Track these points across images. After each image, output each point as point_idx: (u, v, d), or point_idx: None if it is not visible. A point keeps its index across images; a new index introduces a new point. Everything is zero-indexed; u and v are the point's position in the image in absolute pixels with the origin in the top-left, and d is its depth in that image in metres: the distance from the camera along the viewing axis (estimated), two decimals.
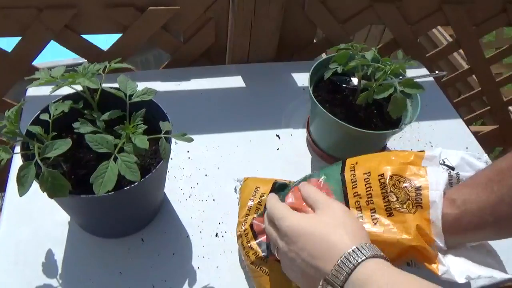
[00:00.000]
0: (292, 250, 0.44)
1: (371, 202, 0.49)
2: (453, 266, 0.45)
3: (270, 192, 0.63)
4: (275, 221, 0.47)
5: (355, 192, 0.51)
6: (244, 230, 0.59)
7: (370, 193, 0.50)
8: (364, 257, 0.38)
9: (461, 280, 0.44)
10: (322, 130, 0.74)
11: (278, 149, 0.78)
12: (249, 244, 0.57)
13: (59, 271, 0.57)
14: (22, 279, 0.56)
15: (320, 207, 0.46)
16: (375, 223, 0.48)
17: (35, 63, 0.85)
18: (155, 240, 0.62)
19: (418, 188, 0.48)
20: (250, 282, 0.59)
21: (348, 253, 0.39)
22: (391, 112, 0.64)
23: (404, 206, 0.48)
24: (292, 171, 0.73)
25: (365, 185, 0.50)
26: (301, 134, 0.81)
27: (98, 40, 0.86)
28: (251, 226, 0.58)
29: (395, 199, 0.48)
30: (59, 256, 0.59)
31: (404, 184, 0.49)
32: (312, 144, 0.77)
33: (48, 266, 0.58)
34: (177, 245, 0.62)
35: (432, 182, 0.48)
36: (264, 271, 0.56)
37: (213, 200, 0.69)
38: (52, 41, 0.81)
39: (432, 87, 0.96)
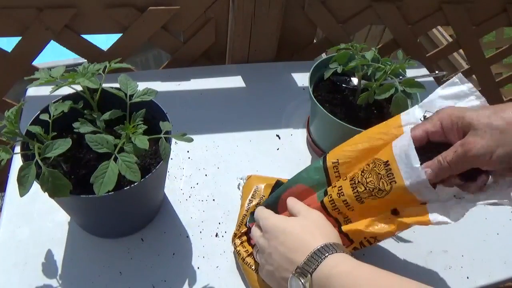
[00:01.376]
0: (272, 245, 0.50)
1: (342, 194, 0.50)
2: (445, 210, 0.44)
3: (271, 191, 0.64)
4: (260, 221, 0.54)
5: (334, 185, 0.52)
6: (240, 229, 0.59)
7: (342, 192, 0.50)
8: (332, 252, 0.45)
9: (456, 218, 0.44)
10: (322, 130, 0.74)
11: (278, 149, 0.78)
12: (242, 244, 0.59)
13: (59, 271, 0.57)
14: (22, 279, 0.56)
15: (301, 214, 0.52)
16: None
17: (35, 63, 0.85)
18: (155, 240, 0.62)
19: (385, 163, 0.46)
20: None
21: (319, 248, 0.46)
22: (393, 112, 0.64)
23: (374, 192, 0.47)
24: (292, 171, 0.73)
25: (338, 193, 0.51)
26: (301, 134, 0.81)
27: (98, 40, 0.86)
28: (247, 227, 0.59)
29: (362, 188, 0.48)
30: (59, 256, 0.59)
31: (373, 166, 0.47)
32: (312, 144, 0.77)
33: (48, 266, 0.58)
34: (177, 245, 0.62)
35: (396, 144, 0.46)
36: (255, 270, 0.57)
37: (213, 200, 0.69)
38: (52, 41, 0.81)
39: (432, 87, 0.95)
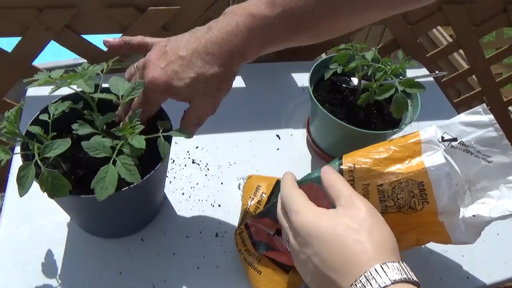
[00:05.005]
0: (305, 253, 0.38)
1: None
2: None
3: (272, 191, 0.64)
4: (289, 212, 0.42)
5: None
6: (241, 229, 0.59)
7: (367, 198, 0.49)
8: (390, 282, 0.32)
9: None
10: (322, 130, 0.74)
11: (278, 149, 0.78)
12: (243, 243, 0.58)
13: (59, 271, 0.57)
14: (22, 279, 0.56)
15: (342, 204, 0.40)
16: None
17: (35, 63, 0.85)
18: (155, 240, 0.62)
19: (420, 184, 0.47)
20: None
21: (371, 272, 0.33)
22: (394, 112, 0.64)
23: (403, 209, 0.48)
24: (292, 171, 0.72)
25: (363, 193, 0.50)
26: (301, 134, 0.81)
27: (98, 40, 0.86)
28: (247, 226, 0.58)
29: (392, 204, 0.48)
30: (59, 256, 0.59)
31: (406, 185, 0.48)
32: (312, 144, 0.77)
33: (48, 266, 0.58)
34: (177, 245, 0.62)
35: (433, 178, 0.47)
36: (257, 270, 0.57)
37: (213, 200, 0.69)
38: (52, 41, 0.81)
39: (432, 87, 0.96)
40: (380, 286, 0.32)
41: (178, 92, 0.46)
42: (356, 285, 0.33)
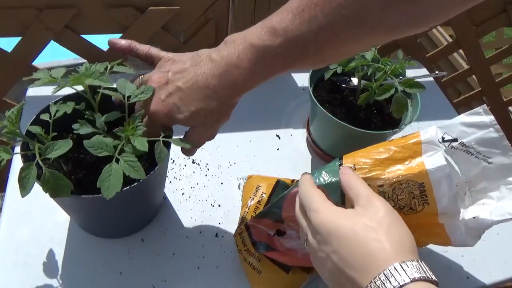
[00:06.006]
0: (323, 251, 0.39)
1: None
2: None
3: (272, 191, 0.64)
4: (307, 211, 0.43)
5: None
6: (241, 229, 0.59)
7: None
8: (409, 280, 0.32)
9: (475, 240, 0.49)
10: (322, 130, 0.74)
11: (278, 149, 0.78)
12: (244, 243, 0.58)
13: (59, 271, 0.57)
14: (22, 279, 0.56)
15: (360, 203, 0.40)
16: None
17: (35, 63, 0.85)
18: (155, 240, 0.62)
19: (420, 185, 0.47)
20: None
21: (390, 270, 0.33)
22: (394, 112, 0.64)
23: (404, 210, 0.48)
24: (292, 171, 0.73)
25: None
26: (301, 134, 0.81)
27: (98, 40, 0.86)
28: (247, 226, 0.58)
29: (393, 204, 0.48)
30: (59, 256, 0.59)
31: (406, 186, 0.48)
32: (312, 144, 0.77)
33: (48, 266, 0.58)
34: (177, 245, 0.62)
35: (434, 180, 0.47)
36: (257, 270, 0.57)
37: (213, 200, 0.69)
38: (52, 41, 0.81)
39: (432, 87, 0.96)
40: (399, 284, 0.32)
41: (178, 122, 0.48)
42: (375, 283, 0.33)
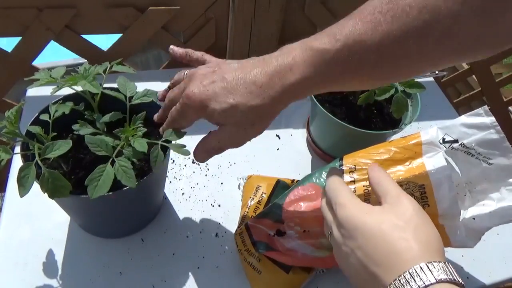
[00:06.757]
0: (348, 245, 0.39)
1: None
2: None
3: (272, 191, 0.64)
4: (334, 205, 0.42)
5: None
6: (241, 229, 0.59)
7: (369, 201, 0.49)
8: (435, 281, 0.32)
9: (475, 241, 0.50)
10: (322, 130, 0.74)
11: (278, 149, 0.78)
12: (244, 243, 0.58)
13: (59, 271, 0.57)
14: (22, 279, 0.56)
15: (389, 201, 0.40)
16: None
17: (35, 63, 0.85)
18: (155, 240, 0.62)
19: (421, 187, 0.47)
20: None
21: (415, 269, 0.33)
22: (394, 112, 0.64)
23: None
24: (292, 171, 0.73)
25: (364, 194, 0.50)
26: (301, 134, 0.81)
27: (98, 40, 0.86)
28: (247, 227, 0.58)
29: None
30: (59, 256, 0.59)
31: (407, 187, 0.48)
32: (312, 144, 0.77)
33: (48, 266, 0.58)
34: (177, 245, 0.62)
35: (435, 182, 0.47)
36: (257, 270, 0.57)
37: (213, 200, 0.69)
38: (52, 41, 0.81)
39: (432, 87, 0.96)
40: (424, 284, 0.32)
41: (211, 114, 0.43)
42: (399, 281, 0.33)
